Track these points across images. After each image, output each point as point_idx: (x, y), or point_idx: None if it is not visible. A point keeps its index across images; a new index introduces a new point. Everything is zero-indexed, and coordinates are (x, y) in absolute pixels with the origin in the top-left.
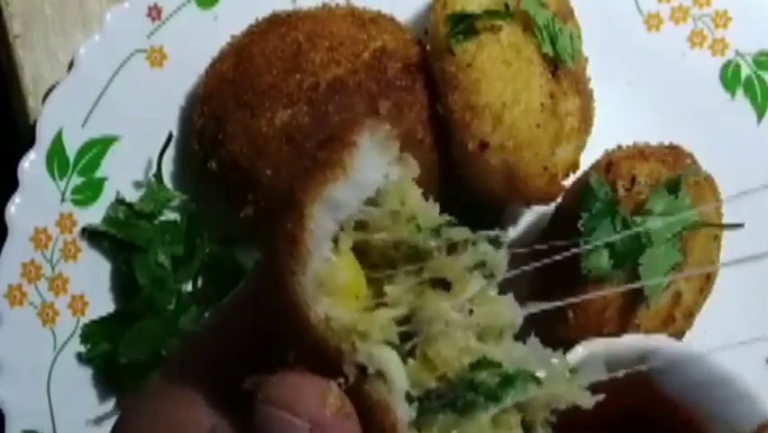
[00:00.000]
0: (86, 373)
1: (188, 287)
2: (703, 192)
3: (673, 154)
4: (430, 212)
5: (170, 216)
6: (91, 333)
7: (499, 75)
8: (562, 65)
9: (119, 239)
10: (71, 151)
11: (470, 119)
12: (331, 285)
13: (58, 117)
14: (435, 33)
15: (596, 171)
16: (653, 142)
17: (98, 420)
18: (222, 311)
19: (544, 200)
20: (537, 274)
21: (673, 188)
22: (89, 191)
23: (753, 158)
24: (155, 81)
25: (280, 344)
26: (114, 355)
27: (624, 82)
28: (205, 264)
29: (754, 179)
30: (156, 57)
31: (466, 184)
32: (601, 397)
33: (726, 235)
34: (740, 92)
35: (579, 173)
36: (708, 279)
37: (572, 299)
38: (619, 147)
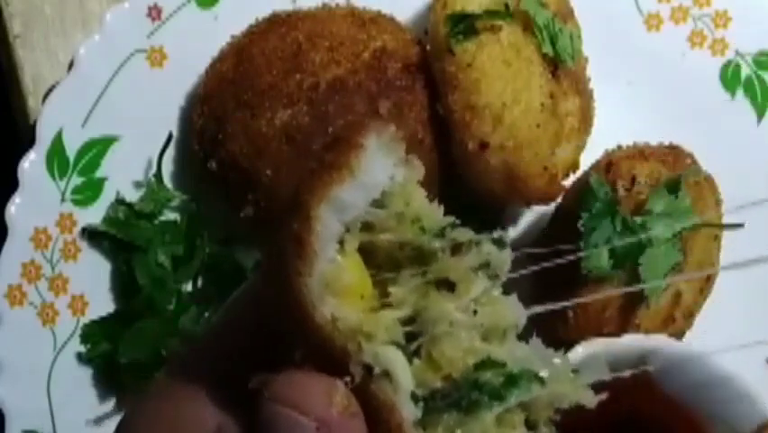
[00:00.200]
0: (86, 373)
1: (188, 287)
2: (703, 192)
3: (673, 154)
4: (434, 213)
5: (170, 216)
6: (91, 333)
7: (499, 75)
8: (562, 65)
9: (119, 239)
10: (71, 151)
11: (470, 119)
12: (337, 286)
13: (58, 117)
14: (435, 33)
15: (596, 171)
16: (653, 142)
17: (98, 420)
18: (225, 311)
19: (544, 200)
20: (538, 274)
21: (673, 188)
22: (89, 191)
23: (753, 158)
24: (155, 81)
25: (285, 343)
26: (114, 355)
27: (624, 82)
28: (205, 264)
29: (754, 179)
30: (156, 57)
31: (466, 184)
32: (604, 396)
33: (726, 236)
34: (740, 92)
35: (579, 173)
36: (708, 279)
37: (576, 300)
38: (619, 147)
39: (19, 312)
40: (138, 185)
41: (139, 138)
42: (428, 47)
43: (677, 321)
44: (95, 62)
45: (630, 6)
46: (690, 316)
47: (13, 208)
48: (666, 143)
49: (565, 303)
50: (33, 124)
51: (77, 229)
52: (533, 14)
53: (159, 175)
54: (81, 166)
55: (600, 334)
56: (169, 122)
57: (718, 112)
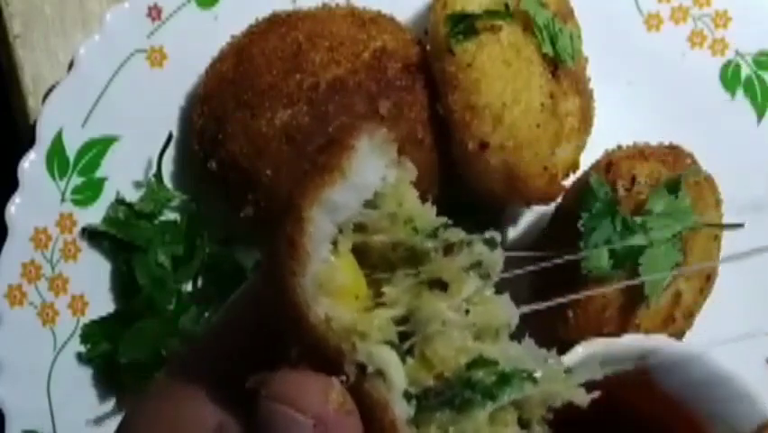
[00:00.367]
0: (86, 373)
1: (188, 287)
2: (703, 192)
3: (673, 154)
4: (427, 214)
5: (170, 216)
6: (91, 333)
7: (499, 75)
8: (562, 65)
9: (119, 239)
10: (71, 151)
11: (470, 119)
12: (330, 286)
13: (58, 117)
14: (435, 33)
15: (596, 171)
16: (653, 142)
17: (98, 420)
18: (225, 311)
19: (544, 200)
20: (537, 274)
21: (673, 188)
22: (89, 191)
23: (753, 158)
24: (155, 81)
25: (282, 343)
26: (114, 355)
27: (624, 82)
28: (205, 264)
29: (754, 179)
30: (156, 57)
31: (466, 184)
32: (596, 394)
33: (726, 235)
34: (740, 92)
35: (579, 173)
36: (708, 279)
37: (573, 296)
38: (619, 147)
39: (19, 312)
40: (138, 185)
41: (139, 138)
42: (428, 47)
43: (677, 321)
44: (95, 62)
45: (630, 6)
46: (690, 316)
47: (13, 208)
48: (666, 143)
49: (564, 300)
50: (33, 124)
51: (77, 229)
52: (533, 14)
53: (159, 175)
54: (81, 166)
55: (600, 334)
56: (169, 122)
57: (718, 112)
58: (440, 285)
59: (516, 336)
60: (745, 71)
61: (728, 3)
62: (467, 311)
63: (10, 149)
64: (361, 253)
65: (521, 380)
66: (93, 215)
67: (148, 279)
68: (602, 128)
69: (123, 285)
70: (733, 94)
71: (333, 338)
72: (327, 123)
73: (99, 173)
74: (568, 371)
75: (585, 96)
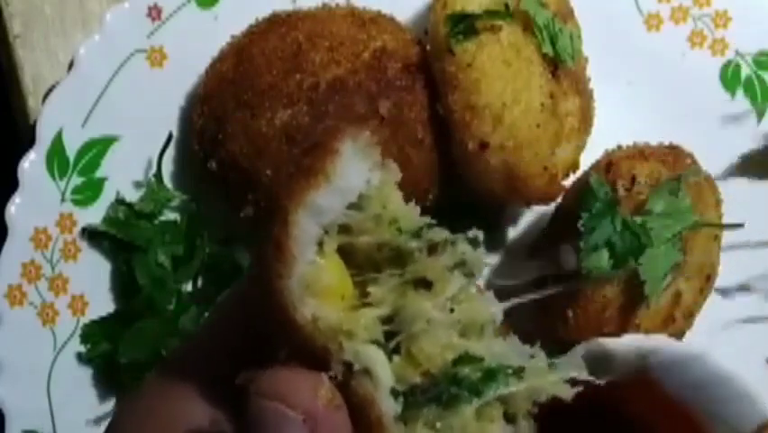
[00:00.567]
0: (86, 373)
1: (188, 287)
2: (703, 192)
3: (673, 154)
4: (411, 215)
5: (170, 216)
6: (91, 333)
7: (499, 75)
8: (562, 65)
9: (119, 239)
10: (71, 151)
11: (470, 119)
12: (317, 287)
13: (58, 117)
14: (435, 33)
15: (596, 171)
16: (653, 142)
17: (98, 420)
18: (215, 312)
19: (544, 200)
20: (538, 274)
21: (673, 188)
22: (89, 191)
23: (753, 158)
24: (155, 81)
25: (271, 344)
26: (114, 355)
27: (624, 82)
28: (205, 264)
29: (754, 179)
30: (156, 57)
31: (466, 184)
32: (579, 389)
33: (727, 235)
34: (740, 92)
35: (579, 173)
36: (708, 279)
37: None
38: (619, 147)
39: (19, 312)
40: (138, 185)
41: (139, 138)
42: (428, 47)
43: (677, 321)
44: (95, 62)
45: (630, 6)
46: (690, 316)
47: (13, 208)
48: (666, 143)
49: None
50: (33, 124)
51: (77, 229)
52: (533, 14)
53: (159, 175)
54: (81, 166)
55: (600, 334)
56: (169, 122)
57: (718, 112)
58: (425, 284)
59: (519, 336)
60: (745, 71)
61: (728, 3)
62: (452, 309)
63: (10, 149)
64: (346, 253)
65: (506, 375)
66: (93, 215)
67: (148, 279)
68: (602, 128)
69: (123, 285)
70: (733, 94)
71: (320, 338)
72: (327, 123)
73: (99, 173)
74: (552, 366)
75: (585, 96)
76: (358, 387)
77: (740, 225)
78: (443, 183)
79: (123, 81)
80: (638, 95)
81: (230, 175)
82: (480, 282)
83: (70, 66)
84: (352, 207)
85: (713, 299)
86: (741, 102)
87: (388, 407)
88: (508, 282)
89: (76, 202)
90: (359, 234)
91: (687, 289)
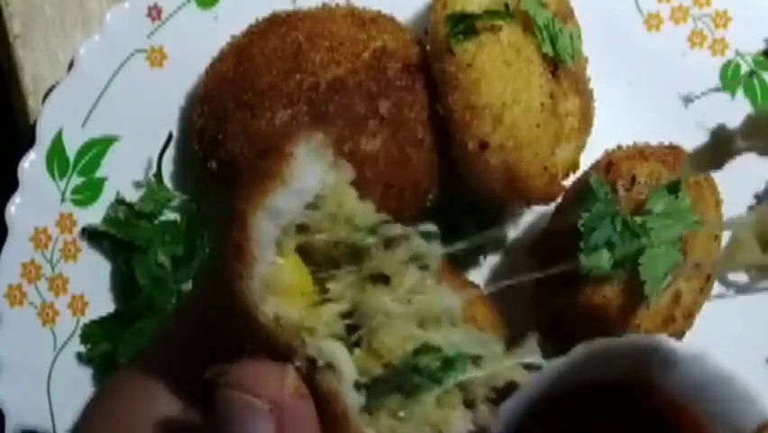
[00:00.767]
0: (86, 373)
1: (188, 287)
2: (703, 192)
3: (673, 154)
4: (366, 212)
5: (170, 216)
6: (91, 333)
7: (499, 75)
8: (562, 65)
9: (119, 239)
10: (71, 151)
11: (470, 119)
12: (278, 286)
13: (58, 117)
14: (435, 33)
15: (596, 171)
16: (653, 142)
17: None
18: (176, 315)
19: (544, 200)
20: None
21: (673, 188)
22: (89, 191)
23: (752, 158)
24: (155, 81)
25: (234, 344)
26: (114, 355)
27: (624, 82)
28: (205, 264)
29: (754, 180)
30: (156, 57)
31: (466, 184)
32: (537, 372)
33: (726, 235)
34: (740, 92)
35: (579, 173)
36: (708, 279)
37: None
38: (619, 147)
39: (19, 312)
40: (138, 185)
41: (139, 138)
42: (428, 47)
43: (677, 321)
44: (95, 62)
45: (630, 6)
46: (690, 316)
47: (13, 208)
48: (666, 143)
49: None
50: (33, 124)
51: (77, 229)
52: (533, 14)
53: (159, 175)
54: (81, 166)
55: (600, 334)
56: (169, 122)
57: (718, 112)
58: (382, 279)
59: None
60: (745, 71)
61: (728, 3)
62: (409, 301)
63: (10, 149)
64: (305, 252)
65: (464, 363)
66: (93, 215)
67: (148, 279)
68: (602, 128)
69: (123, 285)
70: (733, 94)
71: (282, 335)
72: (327, 123)
73: (99, 173)
74: (507, 352)
75: (585, 96)
76: (322, 381)
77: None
78: (443, 183)
79: (123, 81)
80: (638, 95)
81: (230, 175)
82: (481, 282)
83: (70, 66)
84: (308, 207)
85: (713, 299)
86: (741, 102)
87: (353, 400)
88: (508, 282)
89: (76, 202)
90: (316, 232)
91: (687, 289)
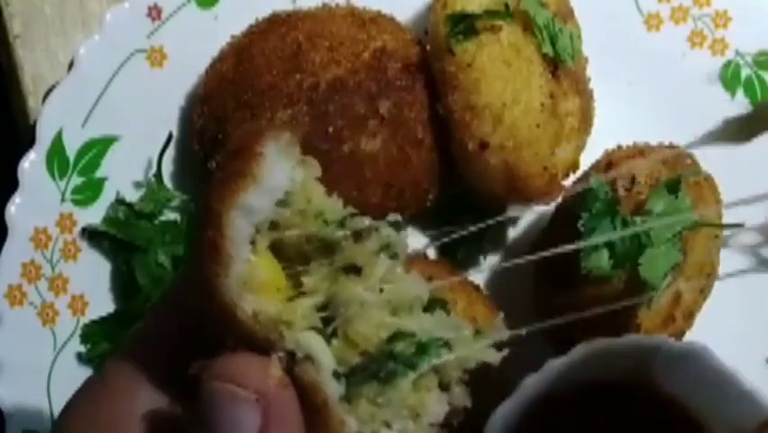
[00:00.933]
0: (86, 373)
1: None
2: (703, 192)
3: (673, 154)
4: (334, 207)
5: (170, 216)
6: (91, 333)
7: (499, 75)
8: (562, 65)
9: (119, 239)
10: (71, 151)
11: (470, 119)
12: (253, 283)
13: (58, 117)
14: (435, 33)
15: (596, 171)
16: (653, 142)
17: None
18: (152, 315)
19: (544, 200)
20: (538, 274)
21: (673, 188)
22: (89, 191)
23: (752, 158)
24: (155, 81)
25: (214, 341)
26: None
27: (624, 82)
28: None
29: (754, 180)
30: (156, 57)
31: (466, 184)
32: (505, 353)
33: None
34: (740, 92)
35: (579, 173)
36: (708, 279)
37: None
38: (619, 147)
39: (19, 312)
40: (138, 185)
41: (139, 138)
42: (428, 47)
43: (677, 321)
44: (95, 62)
45: (630, 6)
46: (690, 316)
47: (13, 208)
48: (666, 143)
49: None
50: (33, 123)
51: (77, 229)
52: (533, 14)
53: (159, 175)
54: (81, 166)
55: (600, 334)
56: (169, 122)
57: (718, 112)
58: (354, 270)
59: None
60: (745, 71)
61: (728, 3)
62: (381, 290)
63: (10, 149)
64: (277, 249)
65: (437, 347)
66: (93, 215)
67: (148, 279)
68: (602, 128)
69: (123, 285)
70: (733, 94)
71: (261, 330)
72: (327, 123)
73: (99, 173)
74: (477, 335)
75: (585, 96)
76: (302, 373)
77: (740, 225)
78: (443, 183)
79: (124, 81)
80: (638, 95)
81: None
82: (481, 282)
83: (70, 66)
84: (279, 204)
85: (713, 299)
86: (741, 102)
87: (333, 389)
88: (508, 282)
89: (76, 202)
90: (287, 228)
91: (687, 289)
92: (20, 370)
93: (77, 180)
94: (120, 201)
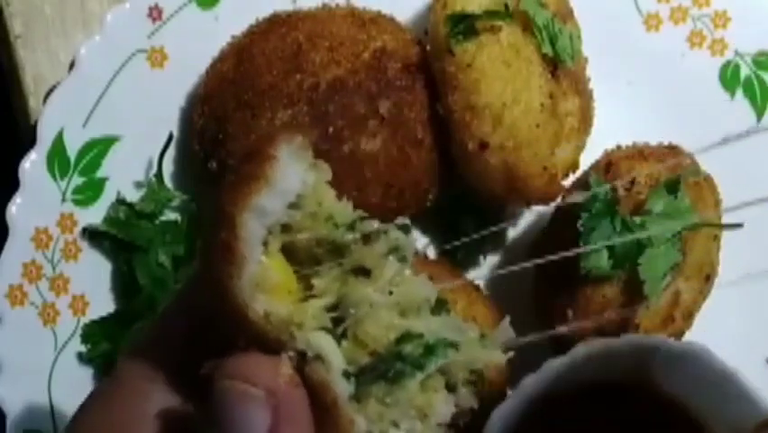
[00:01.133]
0: (86, 373)
1: None
2: (703, 192)
3: (673, 154)
4: (344, 210)
5: (171, 216)
6: (92, 333)
7: (499, 75)
8: (561, 65)
9: (120, 239)
10: (72, 151)
11: (470, 119)
12: (265, 284)
13: (59, 117)
14: (435, 33)
15: (596, 171)
16: (653, 142)
17: None
18: (163, 317)
19: (544, 200)
20: (538, 274)
21: (673, 188)
22: (90, 191)
23: (752, 158)
24: (156, 81)
25: (225, 341)
26: (114, 355)
27: (624, 82)
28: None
29: (754, 180)
30: (157, 57)
31: (466, 184)
32: (510, 355)
33: (726, 235)
34: (739, 92)
35: (579, 173)
36: (708, 279)
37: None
38: (619, 147)
39: (20, 312)
40: (139, 185)
41: (139, 138)
42: (428, 47)
43: (676, 321)
44: (96, 62)
45: (629, 7)
46: (689, 316)
47: (14, 208)
48: (666, 143)
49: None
50: (34, 124)
51: (77, 229)
52: (532, 15)
53: (159, 175)
54: (82, 166)
55: (600, 334)
56: (170, 122)
57: (718, 112)
58: (363, 272)
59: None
60: (745, 71)
61: (728, 3)
62: (390, 292)
63: (11, 149)
64: (288, 251)
65: (444, 348)
66: (94, 215)
67: (148, 279)
68: (602, 128)
69: (123, 285)
70: (732, 94)
71: (272, 331)
72: (327, 123)
73: (100, 173)
74: (484, 337)
75: (585, 96)
76: (312, 373)
77: (739, 225)
78: (443, 183)
79: (124, 81)
80: (638, 95)
81: None
82: (481, 282)
83: (71, 66)
84: (290, 206)
85: (713, 299)
86: (740, 102)
87: (342, 389)
88: (508, 282)
89: (76, 202)
90: (298, 231)
91: (686, 289)
92: (21, 370)
93: (77, 180)
94: (121, 201)
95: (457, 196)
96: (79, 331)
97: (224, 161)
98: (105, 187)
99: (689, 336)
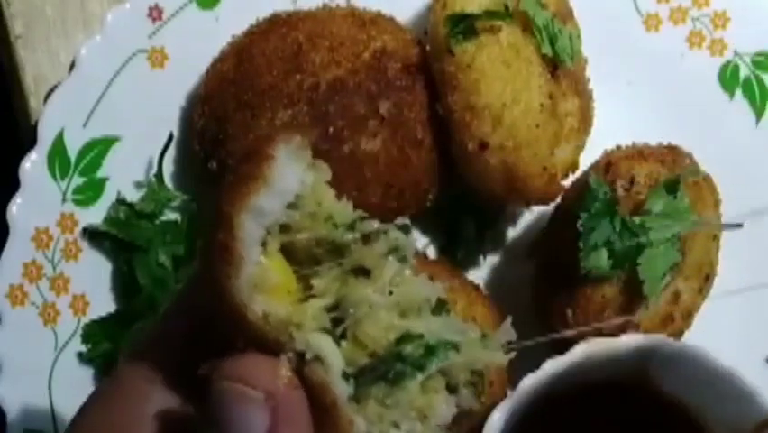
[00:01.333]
0: (87, 373)
1: None
2: (702, 192)
3: (672, 154)
4: (344, 210)
5: (171, 216)
6: (92, 333)
7: (499, 75)
8: (561, 65)
9: (120, 239)
10: (72, 151)
11: (470, 119)
12: (264, 285)
13: (59, 117)
14: (435, 34)
15: (595, 171)
16: (653, 143)
17: None
18: (161, 318)
19: (544, 200)
20: (538, 274)
21: (672, 188)
22: (90, 191)
23: (751, 158)
24: (156, 81)
25: (224, 342)
26: (115, 355)
27: (623, 82)
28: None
29: (753, 180)
30: (157, 57)
31: (466, 184)
32: (512, 355)
33: (725, 235)
34: (739, 92)
35: (578, 173)
36: (707, 279)
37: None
38: (618, 147)
39: (20, 312)
40: (139, 185)
41: (140, 138)
42: (428, 47)
43: (676, 321)
44: (96, 63)
45: (629, 7)
46: (688, 316)
47: (14, 208)
48: (665, 143)
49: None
50: (35, 124)
51: (78, 229)
52: (532, 15)
53: (159, 175)
54: (82, 166)
55: (600, 334)
56: (170, 122)
57: (717, 112)
58: (363, 272)
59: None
60: (744, 72)
61: (727, 3)
62: (390, 292)
63: (11, 149)
64: (287, 251)
65: (445, 349)
66: (94, 215)
67: (149, 279)
68: (602, 128)
69: (123, 285)
70: (732, 94)
71: (271, 332)
72: (327, 123)
73: (100, 173)
74: (484, 337)
75: (584, 96)
76: (311, 374)
77: (739, 226)
78: (443, 183)
79: (125, 82)
80: (638, 95)
81: None
82: (480, 282)
83: (72, 66)
84: (289, 206)
85: (712, 299)
86: (740, 102)
87: (342, 390)
88: (508, 282)
89: (77, 202)
90: (297, 231)
91: (686, 289)
92: (21, 369)
93: (78, 180)
94: (121, 201)
95: (457, 196)
96: (80, 331)
97: (224, 162)
98: (106, 187)
99: (688, 336)
